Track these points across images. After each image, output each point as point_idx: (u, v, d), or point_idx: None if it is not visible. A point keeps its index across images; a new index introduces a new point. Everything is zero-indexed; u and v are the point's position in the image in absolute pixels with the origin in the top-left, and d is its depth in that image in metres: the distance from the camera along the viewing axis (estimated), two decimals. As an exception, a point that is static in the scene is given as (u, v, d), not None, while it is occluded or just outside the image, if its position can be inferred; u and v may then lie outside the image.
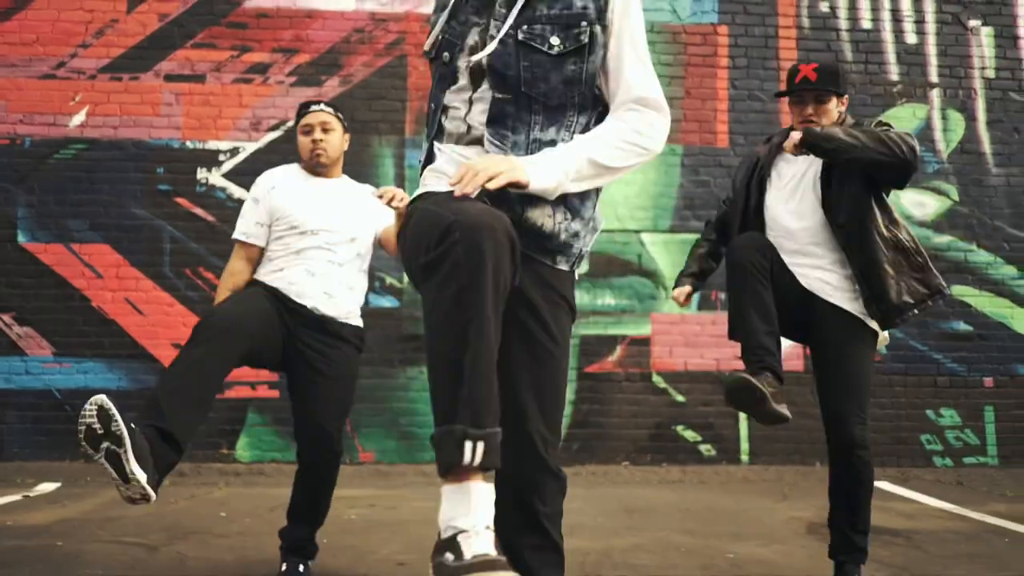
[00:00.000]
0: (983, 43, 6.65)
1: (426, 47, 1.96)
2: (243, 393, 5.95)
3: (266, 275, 3.17)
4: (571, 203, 1.83)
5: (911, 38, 6.61)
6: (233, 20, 6.18)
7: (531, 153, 1.77)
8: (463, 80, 1.85)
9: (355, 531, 4.04)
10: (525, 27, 1.79)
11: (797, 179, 3.03)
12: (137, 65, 6.13)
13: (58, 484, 5.28)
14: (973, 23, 6.65)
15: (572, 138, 1.81)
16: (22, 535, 3.89)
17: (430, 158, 1.93)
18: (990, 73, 6.63)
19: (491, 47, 1.79)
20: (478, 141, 1.82)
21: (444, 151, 1.89)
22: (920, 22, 6.61)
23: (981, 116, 6.60)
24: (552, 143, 1.79)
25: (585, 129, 1.84)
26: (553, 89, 1.80)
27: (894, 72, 6.58)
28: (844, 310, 2.91)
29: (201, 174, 6.09)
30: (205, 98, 6.14)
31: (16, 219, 5.99)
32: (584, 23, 1.79)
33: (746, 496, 5.24)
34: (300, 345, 3.04)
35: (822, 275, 2.95)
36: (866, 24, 6.58)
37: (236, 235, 3.33)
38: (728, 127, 6.42)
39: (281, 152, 6.07)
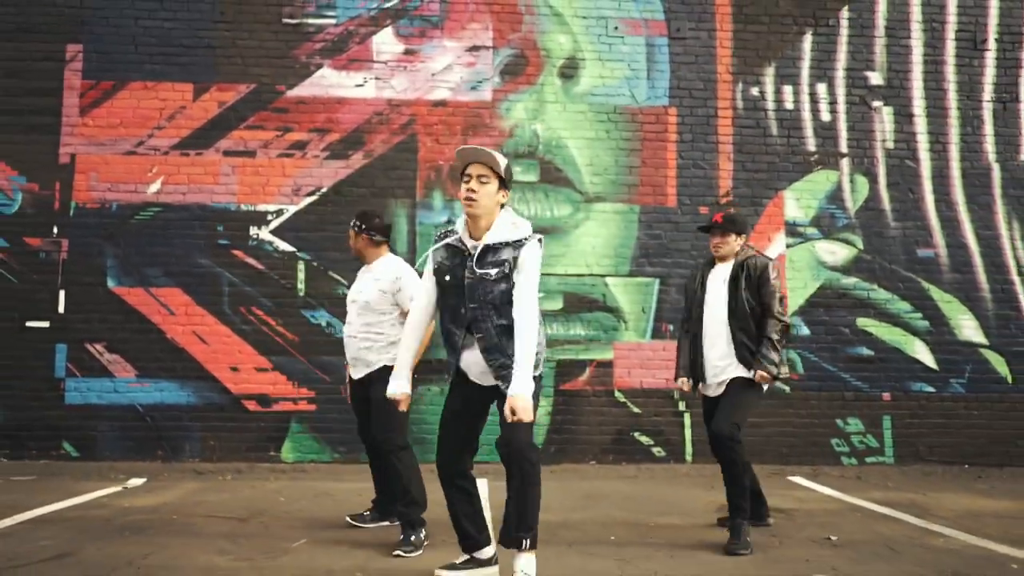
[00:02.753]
0: (884, 120, 7.95)
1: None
2: (287, 407, 7.28)
3: None
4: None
5: (825, 116, 7.92)
6: (277, 106, 7.55)
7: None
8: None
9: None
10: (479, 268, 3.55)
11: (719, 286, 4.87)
12: (201, 143, 7.46)
13: (144, 479, 6.53)
14: (876, 104, 7.96)
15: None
16: (143, 512, 5.22)
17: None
18: (890, 144, 7.92)
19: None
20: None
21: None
22: (833, 103, 7.93)
23: (882, 180, 7.89)
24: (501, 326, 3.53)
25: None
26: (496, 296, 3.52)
27: (811, 144, 7.88)
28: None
29: (253, 231, 7.42)
30: (255, 169, 7.49)
31: (106, 268, 7.29)
32: (506, 265, 3.52)
33: (683, 488, 6.53)
34: None
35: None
36: (789, 105, 7.90)
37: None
38: (676, 190, 7.71)
39: (317, 213, 7.47)
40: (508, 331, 3.49)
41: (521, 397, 3.34)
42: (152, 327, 7.29)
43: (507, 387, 3.44)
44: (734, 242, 4.82)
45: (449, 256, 3.64)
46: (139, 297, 7.31)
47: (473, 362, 3.59)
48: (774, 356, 4.60)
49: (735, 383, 4.67)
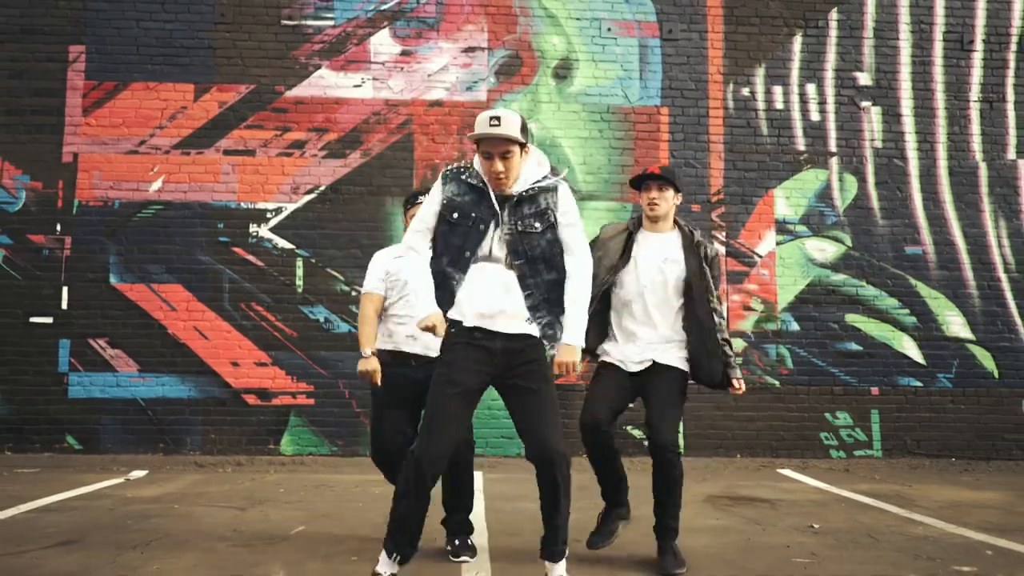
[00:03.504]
0: (873, 120, 8.10)
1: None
2: (286, 401, 7.43)
3: None
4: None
5: (815, 116, 8.07)
6: (277, 106, 7.69)
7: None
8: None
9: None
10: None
11: None
12: (202, 142, 7.61)
13: (146, 471, 6.65)
14: (865, 104, 8.11)
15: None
16: (146, 501, 5.36)
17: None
18: (878, 144, 8.07)
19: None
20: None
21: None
22: (822, 103, 8.09)
23: (871, 178, 8.03)
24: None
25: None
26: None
27: (801, 143, 8.03)
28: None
29: (252, 229, 7.56)
30: (255, 168, 7.63)
31: (108, 264, 7.43)
32: (549, 214, 3.29)
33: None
34: None
35: None
36: (779, 105, 8.05)
37: None
38: (668, 189, 7.91)
39: (315, 211, 7.62)
40: (557, 285, 3.25)
41: (576, 349, 3.20)
42: (154, 323, 7.43)
43: (552, 345, 3.23)
44: (672, 200, 3.93)
45: (464, 193, 3.25)
46: (141, 293, 7.45)
47: (499, 311, 3.17)
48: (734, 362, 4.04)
49: (673, 375, 3.87)
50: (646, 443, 4.02)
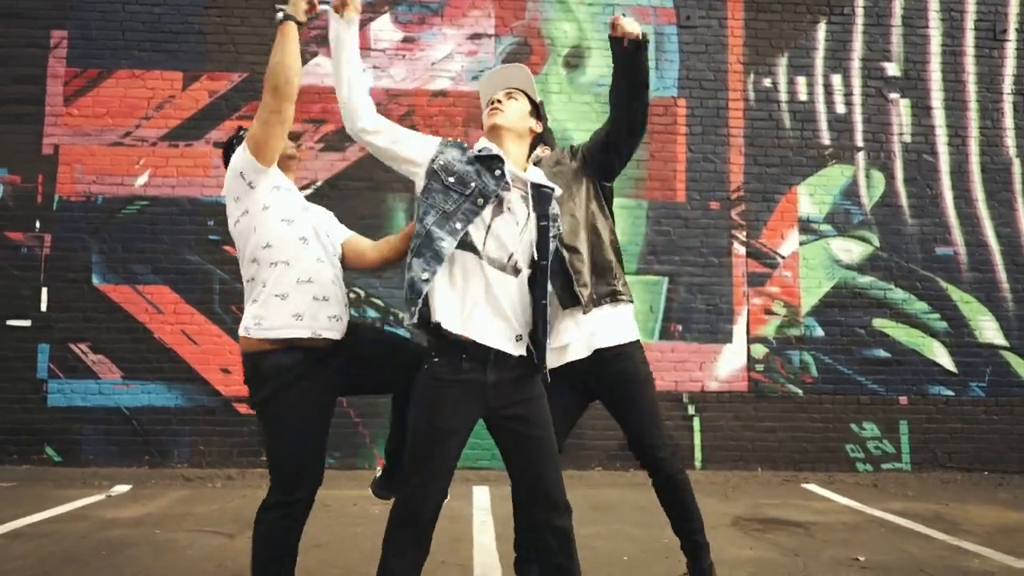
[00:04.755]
0: (901, 112, 7.68)
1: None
2: None
3: None
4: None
5: (840, 108, 7.65)
6: (270, 96, 7.25)
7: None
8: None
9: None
10: None
11: None
12: (191, 134, 7.17)
13: (129, 486, 6.22)
14: (893, 96, 7.70)
15: None
16: (124, 525, 4.92)
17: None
18: (907, 138, 7.66)
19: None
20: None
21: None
22: (848, 95, 7.67)
23: (899, 175, 7.64)
24: None
25: None
26: None
27: (826, 137, 7.62)
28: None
29: (244, 226, 7.14)
30: (247, 162, 7.20)
31: (91, 264, 6.99)
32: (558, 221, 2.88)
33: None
34: None
35: None
36: (803, 97, 7.64)
37: None
38: (685, 185, 7.46)
39: (311, 207, 7.18)
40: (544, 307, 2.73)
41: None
42: (139, 326, 6.99)
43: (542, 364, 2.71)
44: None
45: (469, 162, 2.70)
46: (125, 295, 7.01)
47: (507, 317, 2.63)
48: None
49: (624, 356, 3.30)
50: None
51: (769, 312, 7.40)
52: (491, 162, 2.69)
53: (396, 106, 7.32)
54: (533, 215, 2.71)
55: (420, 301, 2.54)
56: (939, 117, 7.71)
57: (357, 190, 7.20)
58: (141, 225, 7.07)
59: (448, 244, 2.56)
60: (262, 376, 2.80)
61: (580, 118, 7.42)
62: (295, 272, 2.82)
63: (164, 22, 7.22)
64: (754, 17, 7.64)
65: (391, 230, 7.15)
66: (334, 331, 2.88)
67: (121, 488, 6.19)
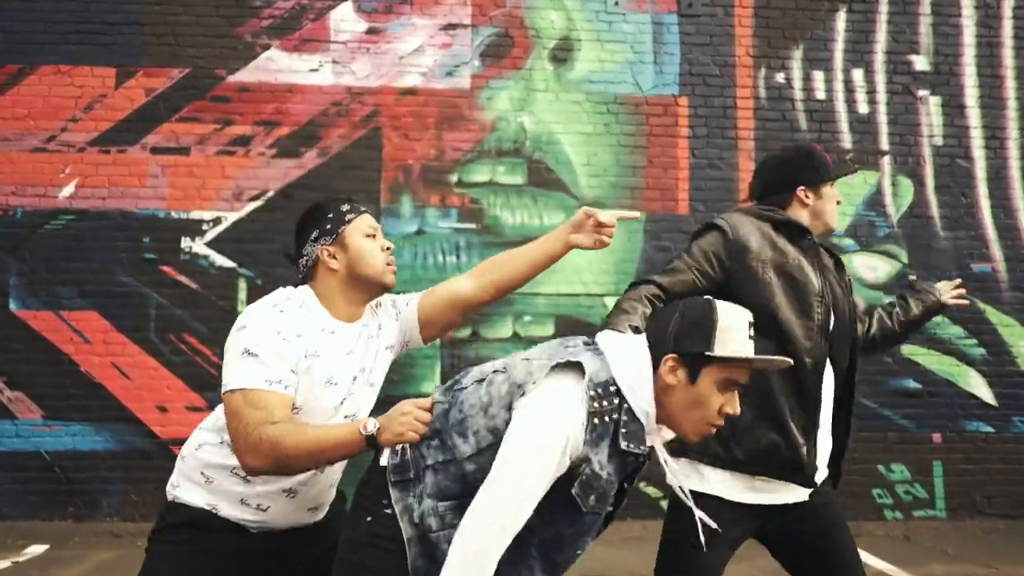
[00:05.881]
0: (931, 112, 6.89)
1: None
2: None
3: None
4: None
5: (863, 107, 6.86)
6: (216, 94, 6.42)
7: None
8: None
9: None
10: None
11: None
12: (124, 138, 6.35)
13: (47, 546, 5.46)
14: (922, 93, 6.90)
15: None
16: None
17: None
18: (938, 140, 6.88)
19: None
20: None
21: None
22: (871, 92, 6.87)
23: (929, 182, 6.85)
24: None
25: None
26: None
27: (847, 140, 6.83)
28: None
29: (185, 243, 6.31)
30: (189, 169, 6.37)
31: (8, 287, 6.17)
32: None
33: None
34: None
35: None
36: (820, 95, 6.84)
37: None
38: (689, 195, 6.66)
39: (262, 221, 6.35)
40: None
41: None
42: (63, 358, 6.17)
43: None
44: None
45: (611, 462, 1.87)
46: (47, 322, 6.19)
47: None
48: None
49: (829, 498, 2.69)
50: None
51: (784, 338, 6.57)
52: (630, 464, 1.99)
53: (359, 106, 6.50)
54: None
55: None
56: (974, 117, 6.93)
57: (314, 201, 6.36)
58: (67, 242, 6.27)
59: None
60: None
61: (568, 119, 6.61)
62: None
63: (95, 11, 6.41)
64: (765, 5, 6.86)
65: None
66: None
67: (37, 548, 5.45)
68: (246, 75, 6.46)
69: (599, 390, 1.82)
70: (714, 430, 1.93)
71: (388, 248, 2.34)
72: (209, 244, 6.33)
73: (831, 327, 2.53)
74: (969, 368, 6.71)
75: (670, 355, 1.86)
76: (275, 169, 6.42)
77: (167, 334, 6.25)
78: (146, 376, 6.20)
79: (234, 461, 2.13)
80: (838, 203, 2.73)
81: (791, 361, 1.96)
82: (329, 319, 2.25)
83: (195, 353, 6.23)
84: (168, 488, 2.31)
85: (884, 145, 6.86)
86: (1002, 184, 6.89)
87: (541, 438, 1.75)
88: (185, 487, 2.25)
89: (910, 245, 6.78)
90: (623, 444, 1.83)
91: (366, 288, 2.31)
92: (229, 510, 2.21)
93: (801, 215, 2.66)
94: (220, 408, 2.22)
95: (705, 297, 1.96)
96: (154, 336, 6.24)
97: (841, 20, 6.91)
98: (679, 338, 1.87)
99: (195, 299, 6.28)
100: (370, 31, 6.57)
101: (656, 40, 6.74)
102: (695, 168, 6.70)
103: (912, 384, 6.66)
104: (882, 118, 6.89)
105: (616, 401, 1.83)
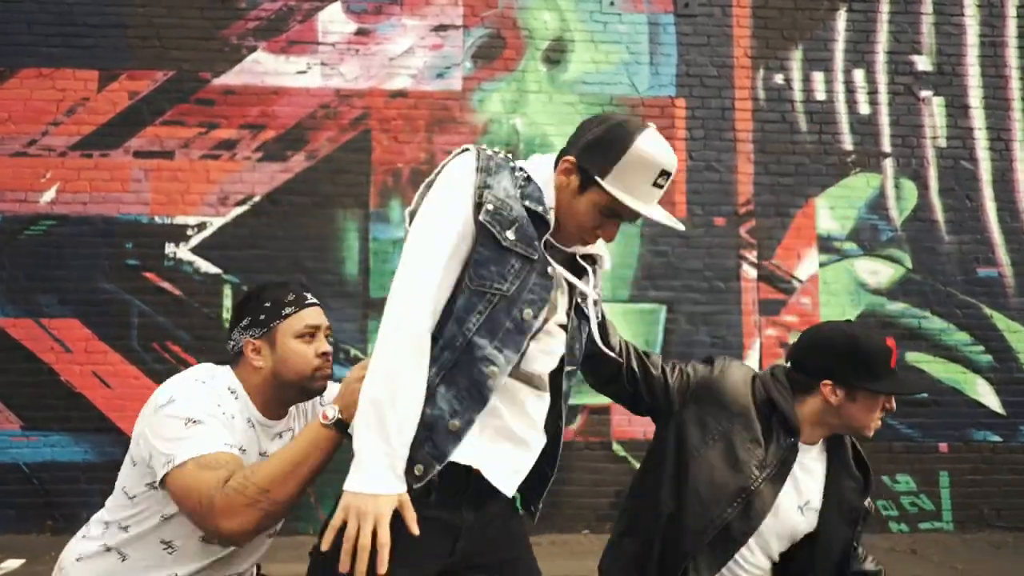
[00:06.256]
0: (935, 113, 6.69)
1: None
2: None
3: None
4: None
5: (864, 108, 6.66)
6: (201, 97, 6.25)
7: None
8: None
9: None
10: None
11: None
12: (107, 142, 6.16)
13: (23, 560, 5.26)
14: (925, 93, 6.70)
15: None
16: None
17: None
18: (942, 142, 6.67)
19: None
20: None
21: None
22: (873, 93, 6.67)
23: (933, 184, 6.64)
24: None
25: None
26: None
27: (848, 142, 6.62)
28: None
29: (169, 249, 6.12)
30: (173, 174, 6.19)
31: None
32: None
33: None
34: None
35: None
36: (820, 96, 6.64)
37: None
38: (686, 197, 6.45)
39: (248, 227, 6.16)
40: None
41: None
42: (43, 367, 5.95)
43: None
44: None
45: (520, 216, 1.78)
46: (27, 330, 5.98)
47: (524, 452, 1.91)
48: None
49: None
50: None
51: (784, 345, 6.35)
52: (538, 221, 1.94)
53: (348, 108, 6.31)
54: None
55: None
56: (978, 118, 6.71)
57: (302, 207, 6.18)
58: (47, 248, 6.06)
59: (501, 365, 1.80)
60: None
61: (562, 121, 6.40)
62: None
63: (78, 13, 6.23)
64: (763, 4, 6.66)
65: (341, 252, 6.14)
66: None
67: (13, 563, 5.23)
68: (232, 78, 6.28)
69: (498, 151, 1.90)
70: (592, 244, 1.94)
71: (325, 353, 2.12)
72: (193, 250, 6.13)
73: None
74: (976, 375, 6.46)
75: (569, 157, 1.86)
76: (261, 173, 6.23)
77: (150, 342, 6.04)
78: (128, 385, 5.99)
79: (124, 568, 1.95)
80: None
81: (672, 222, 1.88)
82: (255, 412, 2.11)
83: (179, 362, 6.02)
84: None
85: (886, 147, 6.64)
86: (1007, 187, 6.67)
87: (436, 203, 1.77)
88: None
89: (914, 249, 6.55)
90: (525, 202, 1.81)
91: (291, 392, 2.13)
92: None
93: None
94: (103, 512, 2.11)
95: (634, 121, 1.88)
96: (136, 344, 6.03)
97: (841, 20, 6.72)
98: (586, 147, 1.84)
99: (179, 306, 6.08)
100: (359, 32, 6.40)
101: (652, 41, 6.55)
102: (692, 171, 6.49)
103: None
104: (884, 120, 6.67)
105: (516, 163, 1.89)
